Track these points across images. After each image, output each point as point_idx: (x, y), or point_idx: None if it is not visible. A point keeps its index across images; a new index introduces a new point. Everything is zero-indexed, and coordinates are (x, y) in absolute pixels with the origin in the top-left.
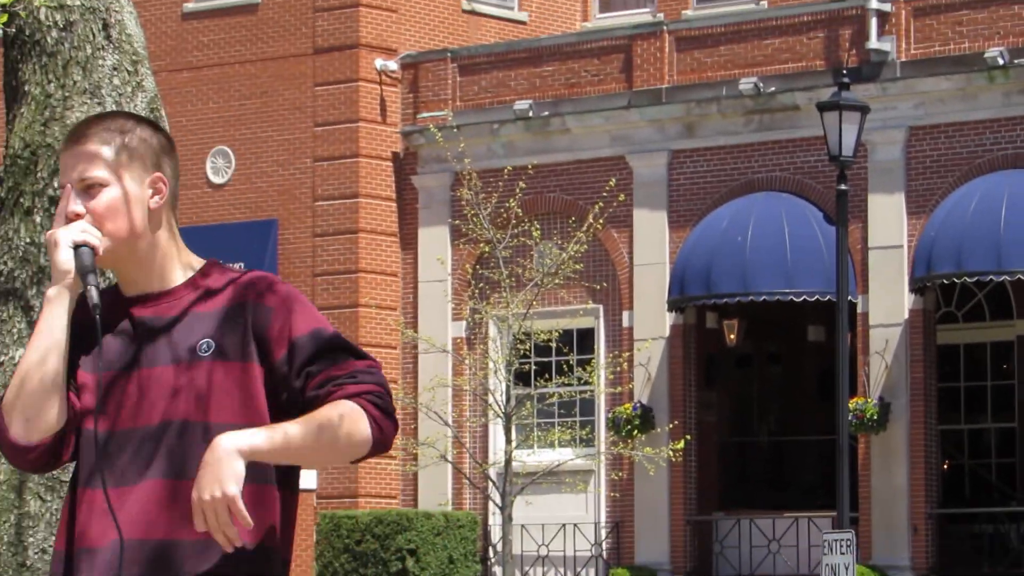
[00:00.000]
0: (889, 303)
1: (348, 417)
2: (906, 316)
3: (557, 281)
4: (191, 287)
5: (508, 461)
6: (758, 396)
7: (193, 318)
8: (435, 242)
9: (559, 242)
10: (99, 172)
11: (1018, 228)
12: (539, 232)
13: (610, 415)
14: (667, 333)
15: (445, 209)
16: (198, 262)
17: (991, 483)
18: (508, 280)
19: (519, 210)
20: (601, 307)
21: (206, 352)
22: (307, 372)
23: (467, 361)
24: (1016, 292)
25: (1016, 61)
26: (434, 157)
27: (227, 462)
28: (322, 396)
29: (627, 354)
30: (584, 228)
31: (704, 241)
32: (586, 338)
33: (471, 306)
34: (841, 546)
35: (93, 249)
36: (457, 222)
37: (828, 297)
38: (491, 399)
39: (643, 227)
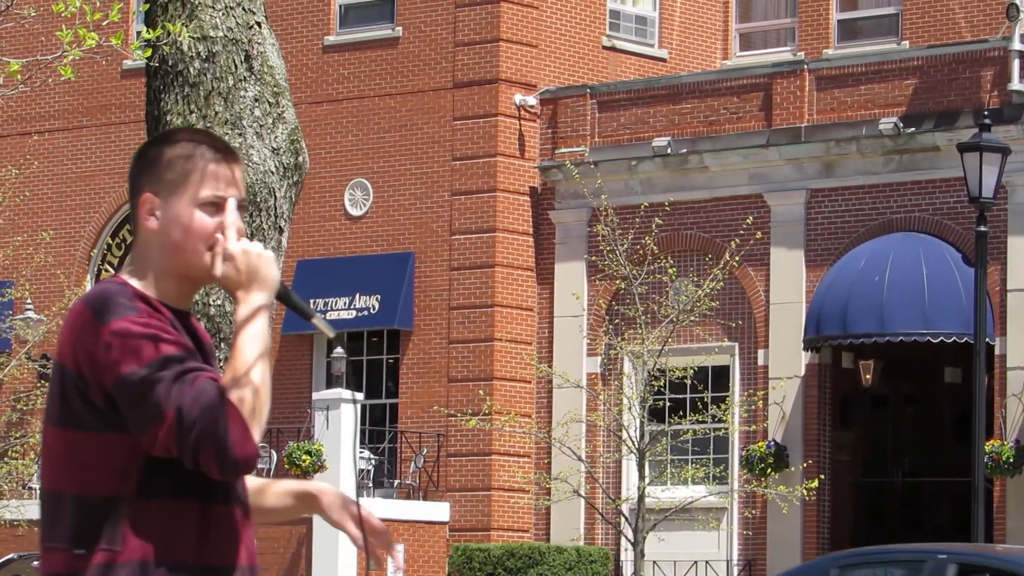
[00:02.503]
0: None
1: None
2: None
3: (693, 318)
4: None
5: (641, 497)
6: (893, 437)
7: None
8: (571, 277)
9: (695, 279)
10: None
11: None
12: (675, 269)
13: (744, 453)
14: (802, 372)
15: (582, 244)
16: None
17: None
18: (643, 317)
19: (655, 247)
20: (736, 345)
21: None
22: None
23: (601, 396)
24: None
25: None
26: (571, 193)
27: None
28: None
29: (762, 392)
30: (720, 265)
31: (841, 280)
32: (721, 376)
33: (606, 342)
34: None
35: None
36: (593, 258)
37: (965, 339)
38: (624, 435)
39: (780, 265)
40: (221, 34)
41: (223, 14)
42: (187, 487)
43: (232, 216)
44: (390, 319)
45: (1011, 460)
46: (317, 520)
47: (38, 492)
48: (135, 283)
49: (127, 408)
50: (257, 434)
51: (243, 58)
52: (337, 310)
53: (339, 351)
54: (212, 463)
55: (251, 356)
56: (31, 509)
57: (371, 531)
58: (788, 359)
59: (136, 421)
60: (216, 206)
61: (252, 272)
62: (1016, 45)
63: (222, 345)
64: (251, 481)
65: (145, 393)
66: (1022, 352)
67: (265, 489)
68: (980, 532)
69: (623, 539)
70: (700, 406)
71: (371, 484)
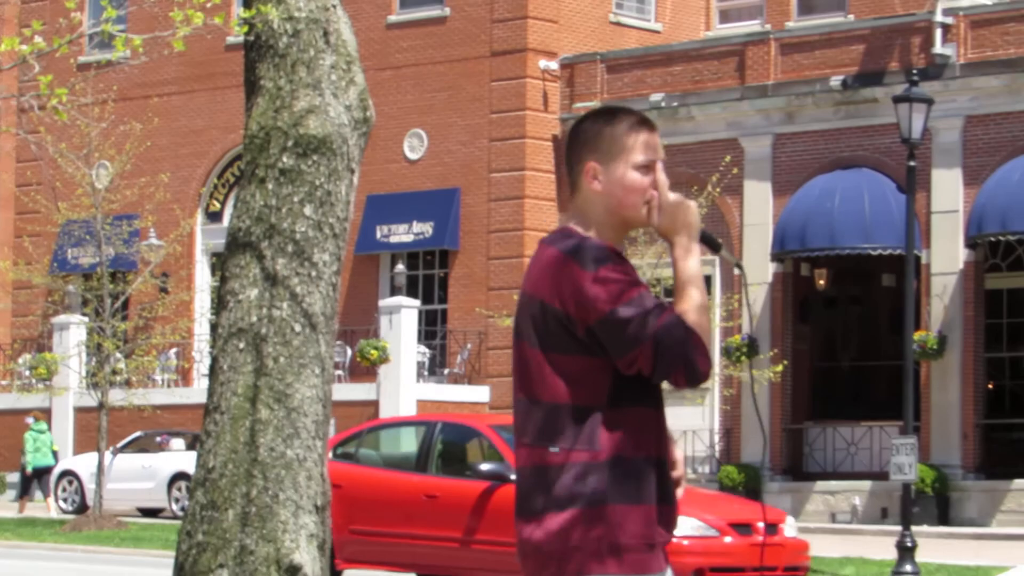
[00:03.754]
0: (947, 256)
1: None
2: (961, 267)
3: None
4: None
5: None
6: (842, 330)
7: None
8: None
9: None
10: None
11: None
12: None
13: (723, 344)
14: (770, 279)
15: None
16: None
17: None
18: (643, 236)
19: None
20: (716, 259)
21: None
22: None
23: None
24: None
25: None
26: None
27: None
28: None
29: (737, 296)
30: (704, 196)
31: (800, 206)
32: (706, 282)
33: None
34: (906, 449)
35: None
36: None
37: (899, 251)
38: None
39: (751, 195)
40: (304, 15)
41: None
42: (645, 397)
43: (662, 175)
44: (441, 241)
45: (934, 347)
46: (384, 400)
47: (514, 399)
48: (589, 235)
49: (609, 339)
50: (709, 352)
51: (322, 33)
52: (399, 235)
53: (400, 267)
54: (681, 377)
55: (695, 290)
56: (155, 395)
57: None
58: (759, 269)
59: (617, 349)
60: (647, 168)
61: (682, 220)
62: (939, 17)
63: (305, 263)
64: None
65: (626, 326)
66: (943, 261)
67: None
68: (910, 404)
69: None
70: None
71: (426, 372)
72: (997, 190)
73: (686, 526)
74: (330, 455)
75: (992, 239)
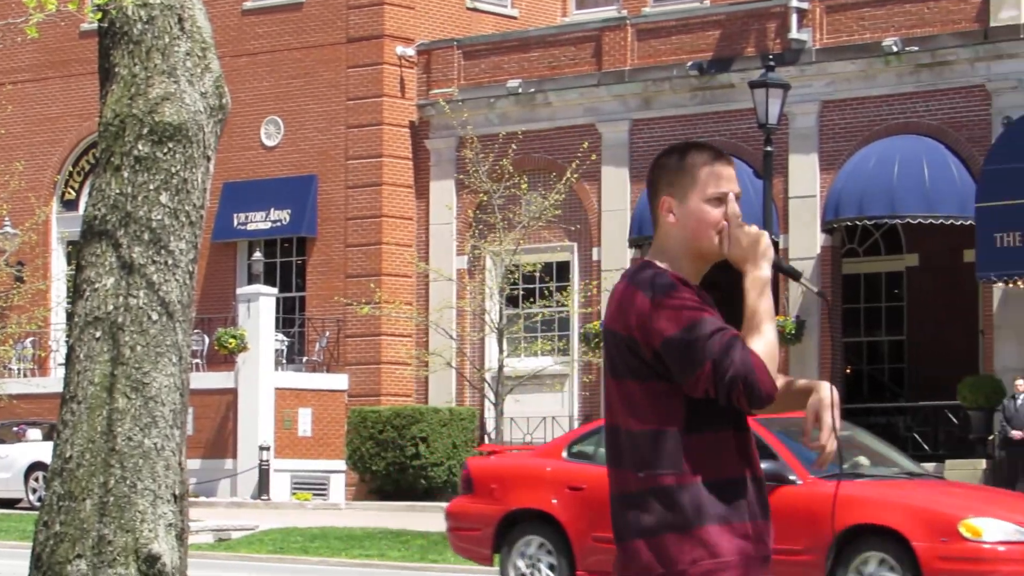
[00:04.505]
0: (805, 241)
1: None
2: (818, 251)
3: (540, 224)
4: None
5: (500, 367)
6: None
7: None
8: (443, 193)
9: (542, 192)
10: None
11: (907, 181)
12: (526, 185)
13: (582, 330)
14: (628, 265)
15: (451, 167)
16: None
17: (884, 384)
18: (501, 223)
19: (510, 167)
20: (575, 244)
21: None
22: None
23: (468, 287)
24: (905, 232)
25: (907, 48)
26: (443, 125)
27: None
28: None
29: (596, 282)
30: (562, 181)
31: None
32: (563, 269)
33: (472, 244)
34: None
35: None
36: (461, 177)
37: None
38: (487, 318)
39: (609, 181)
40: (158, 1)
41: None
42: (725, 420)
43: (733, 206)
44: (298, 228)
45: (793, 332)
46: (242, 388)
47: (604, 429)
48: (663, 266)
49: (673, 362)
50: (773, 375)
51: (176, 20)
52: (256, 222)
53: (257, 255)
54: (743, 399)
55: (764, 316)
56: (11, 385)
57: (826, 436)
58: (617, 255)
59: (681, 371)
60: (719, 200)
61: (753, 249)
62: (794, 3)
63: (161, 251)
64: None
65: (687, 350)
66: (800, 246)
67: (787, 387)
68: None
69: (486, 400)
70: (547, 294)
71: (284, 360)
72: (853, 175)
73: (997, 531)
74: (564, 454)
75: (849, 224)
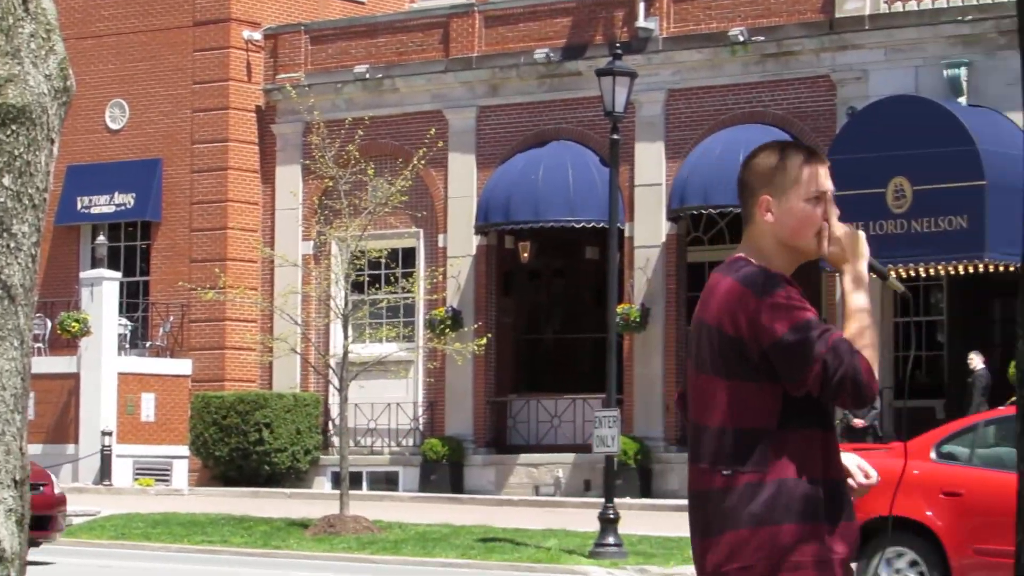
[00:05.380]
0: (650, 229)
1: None
2: (663, 240)
3: (387, 210)
4: None
5: (345, 353)
6: (545, 303)
7: None
8: (289, 178)
9: (389, 179)
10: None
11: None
12: (373, 171)
13: (427, 317)
14: (474, 252)
15: (298, 152)
16: None
17: None
18: (348, 209)
19: (357, 153)
20: (421, 231)
21: None
22: None
23: (314, 273)
24: None
25: (753, 38)
26: (289, 110)
27: None
28: None
29: (442, 268)
30: (409, 168)
31: (505, 178)
32: (409, 255)
33: (317, 229)
34: (608, 421)
35: None
36: (307, 162)
37: (602, 224)
38: (332, 304)
39: (456, 167)
40: None
41: None
42: (813, 419)
43: (832, 206)
44: (143, 212)
45: (637, 319)
46: (84, 373)
47: (690, 426)
48: (759, 263)
49: (781, 361)
50: (876, 375)
51: (20, 1)
52: (100, 206)
53: (101, 238)
54: (848, 398)
55: (865, 317)
56: None
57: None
58: (462, 241)
59: (789, 371)
60: (817, 199)
61: (852, 248)
62: None
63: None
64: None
65: (796, 349)
66: (645, 234)
67: None
68: (613, 376)
69: (331, 387)
70: (393, 280)
71: (128, 345)
72: (699, 164)
73: None
74: (932, 454)
75: (694, 212)
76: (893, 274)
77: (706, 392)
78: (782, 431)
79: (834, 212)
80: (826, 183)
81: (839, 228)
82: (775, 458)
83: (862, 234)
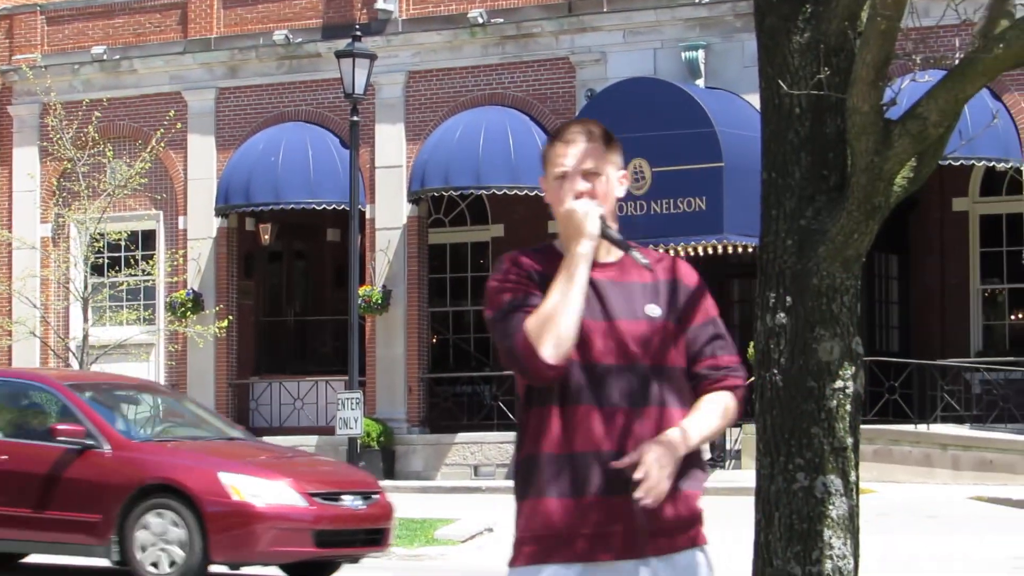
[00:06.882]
0: (391, 211)
1: (732, 409)
2: (404, 221)
3: (126, 192)
4: (632, 262)
5: (85, 336)
6: (287, 284)
7: (638, 286)
8: (27, 160)
9: (128, 161)
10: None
11: (492, 152)
12: (112, 152)
13: (168, 299)
14: (214, 234)
15: (35, 133)
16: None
17: (470, 353)
18: (86, 191)
19: (96, 135)
20: (161, 213)
21: (656, 315)
22: (704, 349)
23: (52, 256)
24: (491, 203)
25: (492, 20)
26: (26, 91)
27: (676, 456)
28: (711, 378)
29: (182, 251)
30: (148, 150)
31: (244, 160)
32: (149, 238)
33: (56, 212)
34: (351, 403)
35: (603, 218)
36: (45, 144)
37: (343, 206)
38: (72, 287)
39: (196, 149)
40: None
41: None
42: (547, 396)
43: (567, 184)
44: None
45: (379, 301)
46: None
47: None
48: (549, 245)
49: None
50: (545, 350)
51: None
52: None
53: None
54: (521, 373)
55: (555, 292)
56: None
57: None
58: (203, 224)
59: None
60: (562, 178)
61: (566, 226)
62: None
63: None
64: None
65: (494, 331)
66: (386, 216)
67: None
68: (355, 358)
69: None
70: (133, 262)
71: None
72: (439, 146)
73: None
74: None
75: (435, 194)
76: (635, 250)
77: None
78: (527, 409)
79: (569, 191)
80: (564, 161)
81: (563, 208)
82: (522, 435)
83: (584, 210)
